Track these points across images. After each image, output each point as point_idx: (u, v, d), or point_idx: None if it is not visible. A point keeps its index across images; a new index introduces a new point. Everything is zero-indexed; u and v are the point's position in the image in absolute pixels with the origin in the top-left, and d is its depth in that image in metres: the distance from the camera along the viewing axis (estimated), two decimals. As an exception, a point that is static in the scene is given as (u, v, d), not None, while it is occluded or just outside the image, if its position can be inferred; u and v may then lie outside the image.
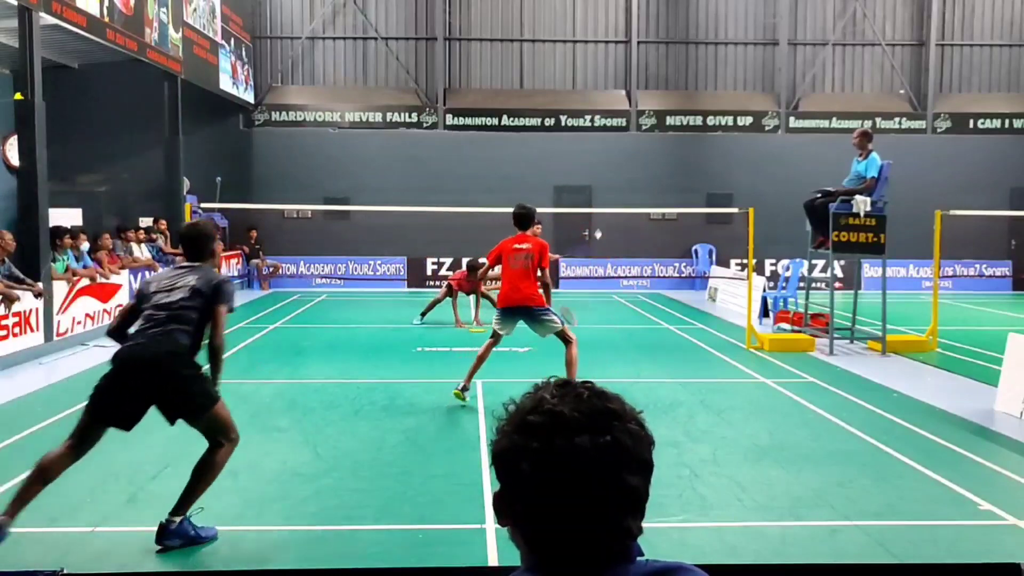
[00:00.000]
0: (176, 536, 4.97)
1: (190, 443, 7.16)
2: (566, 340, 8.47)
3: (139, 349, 5.06)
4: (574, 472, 1.25)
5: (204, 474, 5.10)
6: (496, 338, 8.70)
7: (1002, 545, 5.17)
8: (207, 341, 5.29)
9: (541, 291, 8.49)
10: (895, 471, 6.58)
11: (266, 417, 8.17)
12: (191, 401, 5.10)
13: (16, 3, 11.14)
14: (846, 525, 5.43)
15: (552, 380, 1.37)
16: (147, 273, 15.20)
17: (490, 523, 5.37)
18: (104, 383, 5.04)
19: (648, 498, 1.32)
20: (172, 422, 5.14)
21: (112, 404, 5.02)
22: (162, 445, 7.11)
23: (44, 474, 4.88)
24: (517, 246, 8.54)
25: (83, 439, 4.99)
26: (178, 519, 5.00)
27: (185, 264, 5.43)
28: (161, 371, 5.01)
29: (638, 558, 1.31)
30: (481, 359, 8.64)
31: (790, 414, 8.52)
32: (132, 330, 5.24)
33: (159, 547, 4.94)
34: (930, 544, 5.20)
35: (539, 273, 8.48)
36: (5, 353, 10.51)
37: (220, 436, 5.19)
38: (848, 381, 10.09)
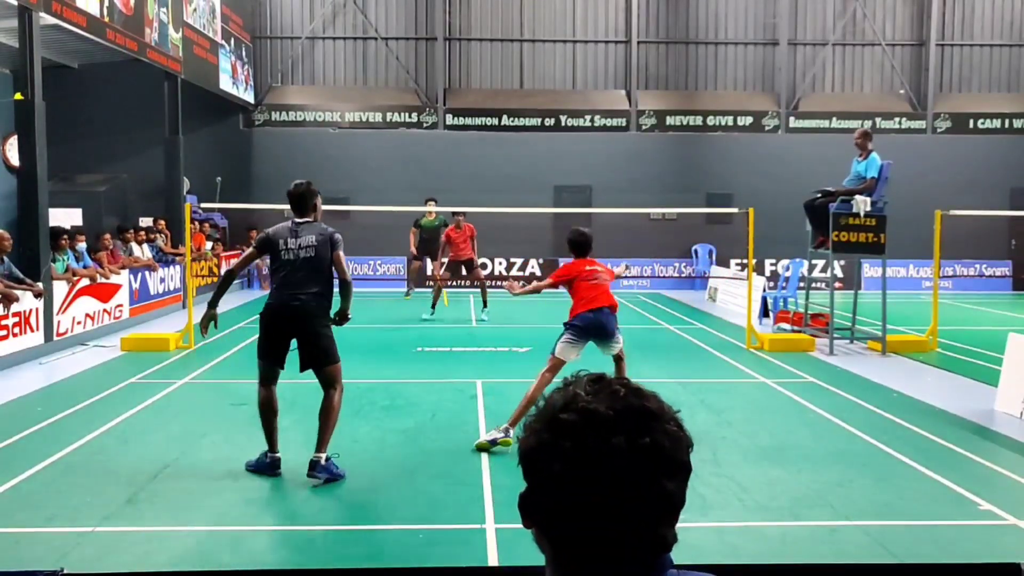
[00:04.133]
0: (322, 471, 6.15)
1: (190, 443, 7.17)
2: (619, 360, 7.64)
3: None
4: (608, 475, 1.17)
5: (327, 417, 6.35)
6: (557, 369, 7.31)
7: (1002, 545, 5.17)
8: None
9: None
10: (895, 471, 6.58)
11: (266, 417, 8.15)
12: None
13: (16, 3, 11.14)
14: (846, 525, 5.43)
15: (584, 375, 1.28)
16: (147, 273, 15.21)
17: (490, 523, 5.37)
18: None
19: (684, 504, 1.25)
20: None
21: None
22: (162, 445, 7.12)
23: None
24: (590, 268, 7.59)
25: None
26: (323, 456, 6.21)
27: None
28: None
29: (670, 569, 1.24)
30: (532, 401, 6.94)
31: (790, 414, 8.52)
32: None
33: (311, 480, 6.12)
34: (930, 544, 5.20)
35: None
36: (5, 353, 10.51)
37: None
38: (848, 381, 10.08)
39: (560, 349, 7.36)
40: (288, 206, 6.51)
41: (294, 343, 6.43)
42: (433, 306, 15.49)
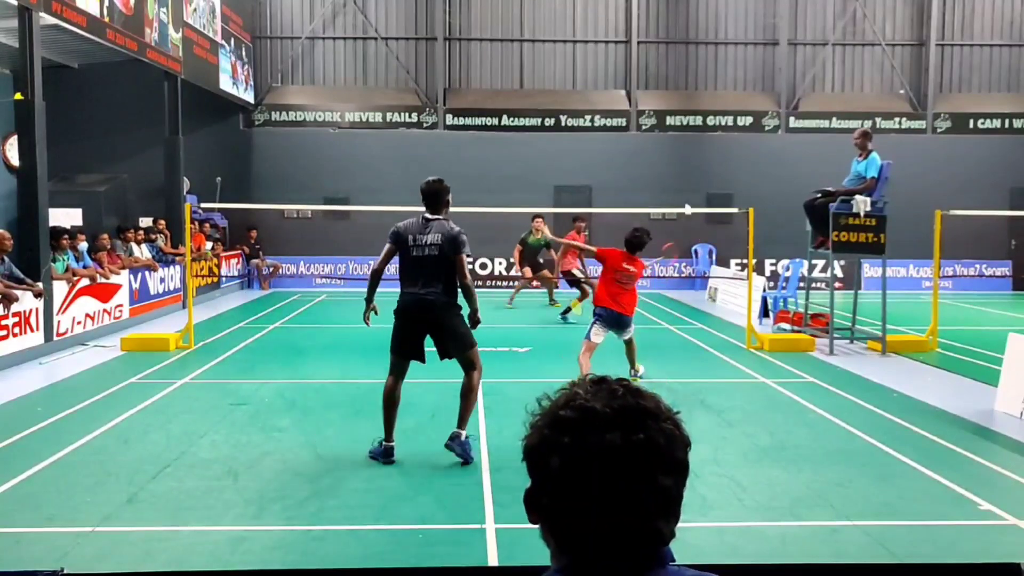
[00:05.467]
0: (459, 445, 6.56)
1: (190, 443, 7.18)
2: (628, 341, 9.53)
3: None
4: (604, 469, 1.23)
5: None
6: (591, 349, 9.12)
7: (1002, 545, 5.17)
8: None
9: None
10: (895, 471, 6.58)
11: (266, 417, 8.17)
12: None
13: (16, 3, 11.14)
14: (846, 525, 5.43)
15: (588, 377, 1.35)
16: (147, 273, 15.21)
17: (490, 523, 5.37)
18: None
19: (681, 501, 1.30)
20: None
21: None
22: (162, 445, 7.12)
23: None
24: (626, 264, 9.18)
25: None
26: (464, 433, 6.61)
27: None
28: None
29: (669, 564, 1.29)
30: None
31: (790, 414, 8.52)
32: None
33: (447, 448, 6.59)
34: (930, 544, 5.20)
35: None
36: (5, 353, 10.51)
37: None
38: (848, 381, 10.08)
39: (594, 333, 9.16)
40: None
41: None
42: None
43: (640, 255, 9.28)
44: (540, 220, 15.52)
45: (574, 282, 15.68)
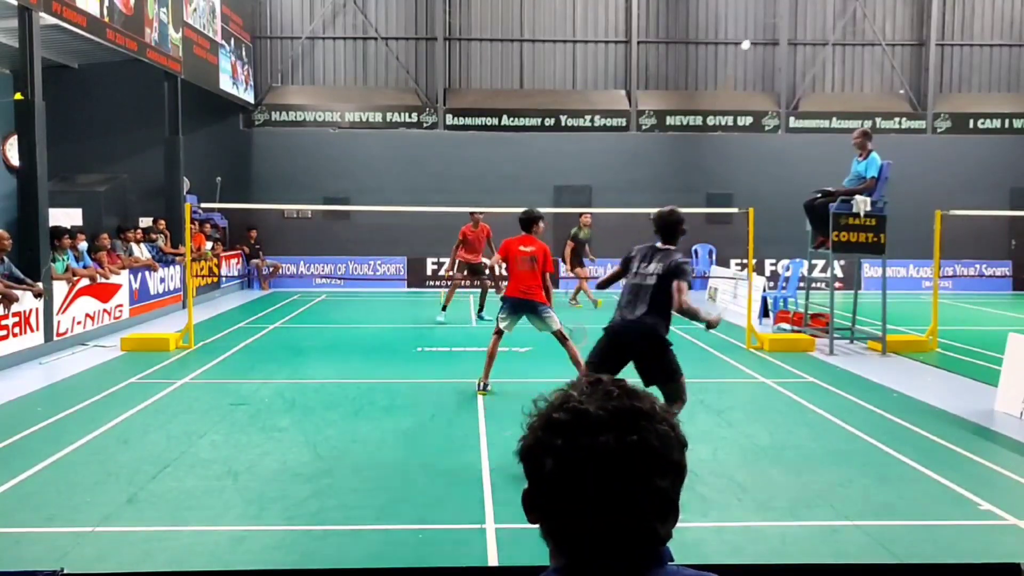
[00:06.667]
0: None
1: (190, 443, 7.18)
2: (563, 339, 8.82)
3: None
4: (597, 471, 1.23)
5: None
6: (500, 334, 9.06)
7: (1002, 545, 5.17)
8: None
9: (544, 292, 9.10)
10: (895, 471, 6.58)
11: (266, 417, 8.17)
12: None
13: (16, 3, 11.14)
14: (846, 525, 5.43)
15: (586, 378, 1.35)
16: (147, 273, 15.20)
17: (490, 523, 5.37)
18: None
19: (678, 501, 1.29)
20: None
21: None
22: (162, 445, 7.12)
23: None
24: (523, 248, 9.05)
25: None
26: None
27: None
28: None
29: (668, 563, 1.29)
30: (492, 356, 9.08)
31: (790, 414, 8.52)
32: None
33: None
34: (930, 544, 5.20)
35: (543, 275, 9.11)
36: (5, 353, 10.51)
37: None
38: (848, 381, 10.08)
39: (499, 319, 9.06)
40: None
41: None
42: (444, 308, 15.16)
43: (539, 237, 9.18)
44: (588, 216, 17.16)
45: (475, 272, 15.42)
